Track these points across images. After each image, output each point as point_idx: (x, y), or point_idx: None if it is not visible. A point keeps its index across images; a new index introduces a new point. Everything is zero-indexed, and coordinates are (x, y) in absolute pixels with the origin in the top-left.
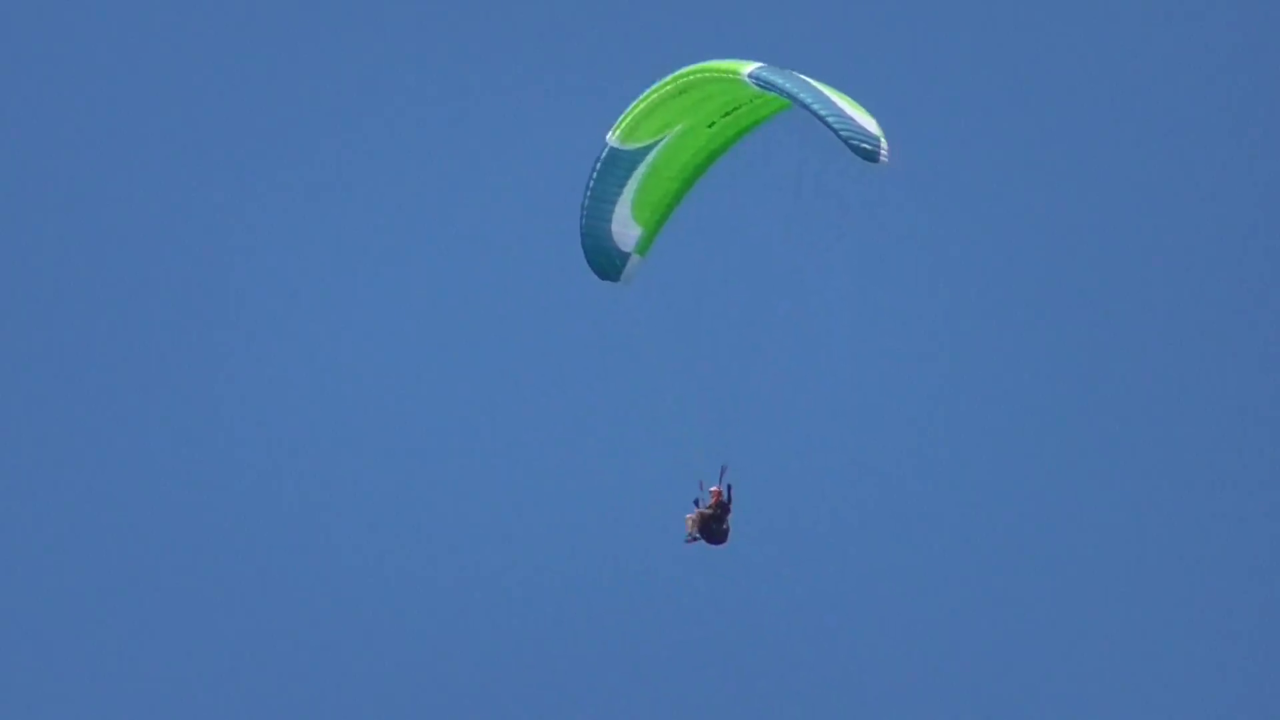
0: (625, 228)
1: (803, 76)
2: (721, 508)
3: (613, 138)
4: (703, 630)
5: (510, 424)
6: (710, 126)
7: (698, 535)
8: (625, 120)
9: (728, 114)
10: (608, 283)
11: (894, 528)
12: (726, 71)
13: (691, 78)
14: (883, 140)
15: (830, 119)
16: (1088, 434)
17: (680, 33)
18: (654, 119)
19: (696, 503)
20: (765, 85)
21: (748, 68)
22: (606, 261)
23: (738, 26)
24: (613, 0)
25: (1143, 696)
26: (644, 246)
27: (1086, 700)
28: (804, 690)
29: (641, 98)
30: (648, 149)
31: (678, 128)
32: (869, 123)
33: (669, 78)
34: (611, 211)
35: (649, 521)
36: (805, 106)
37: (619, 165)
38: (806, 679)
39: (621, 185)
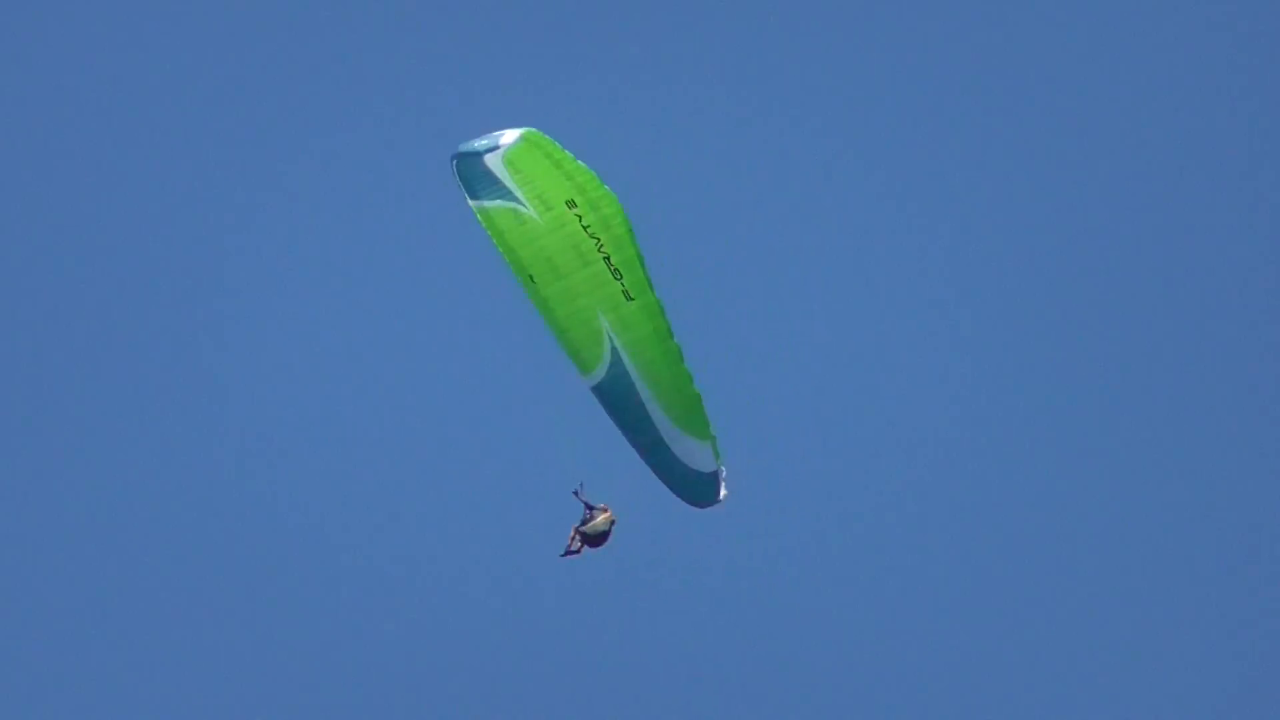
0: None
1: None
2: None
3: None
4: (703, 631)
5: (507, 422)
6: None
7: (578, 546)
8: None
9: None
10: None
11: (893, 528)
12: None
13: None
14: (720, 490)
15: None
16: (1086, 434)
17: (680, 33)
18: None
19: (585, 503)
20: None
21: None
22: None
23: (738, 26)
24: (612, 2)
25: (1142, 697)
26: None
27: (1086, 700)
28: (804, 691)
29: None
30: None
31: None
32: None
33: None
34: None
35: (649, 521)
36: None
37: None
38: (806, 680)
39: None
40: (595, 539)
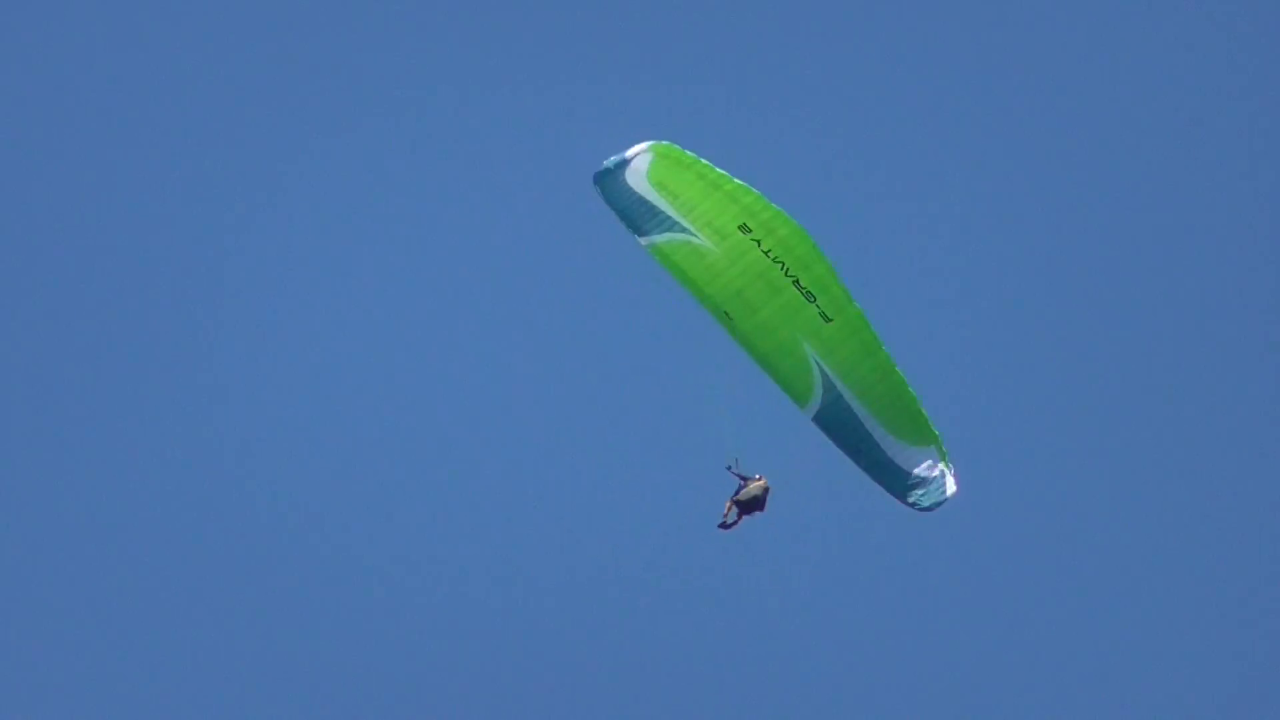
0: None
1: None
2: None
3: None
4: (702, 632)
5: (511, 419)
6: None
7: (735, 518)
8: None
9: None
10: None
11: (894, 529)
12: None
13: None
14: (948, 488)
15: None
16: (1087, 435)
17: (677, 33)
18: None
19: (739, 476)
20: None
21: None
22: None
23: (742, 26)
24: (610, 4)
25: (1143, 698)
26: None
27: (1088, 702)
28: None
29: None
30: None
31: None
32: (933, 475)
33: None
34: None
35: (648, 522)
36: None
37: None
38: (804, 682)
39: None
40: (750, 504)
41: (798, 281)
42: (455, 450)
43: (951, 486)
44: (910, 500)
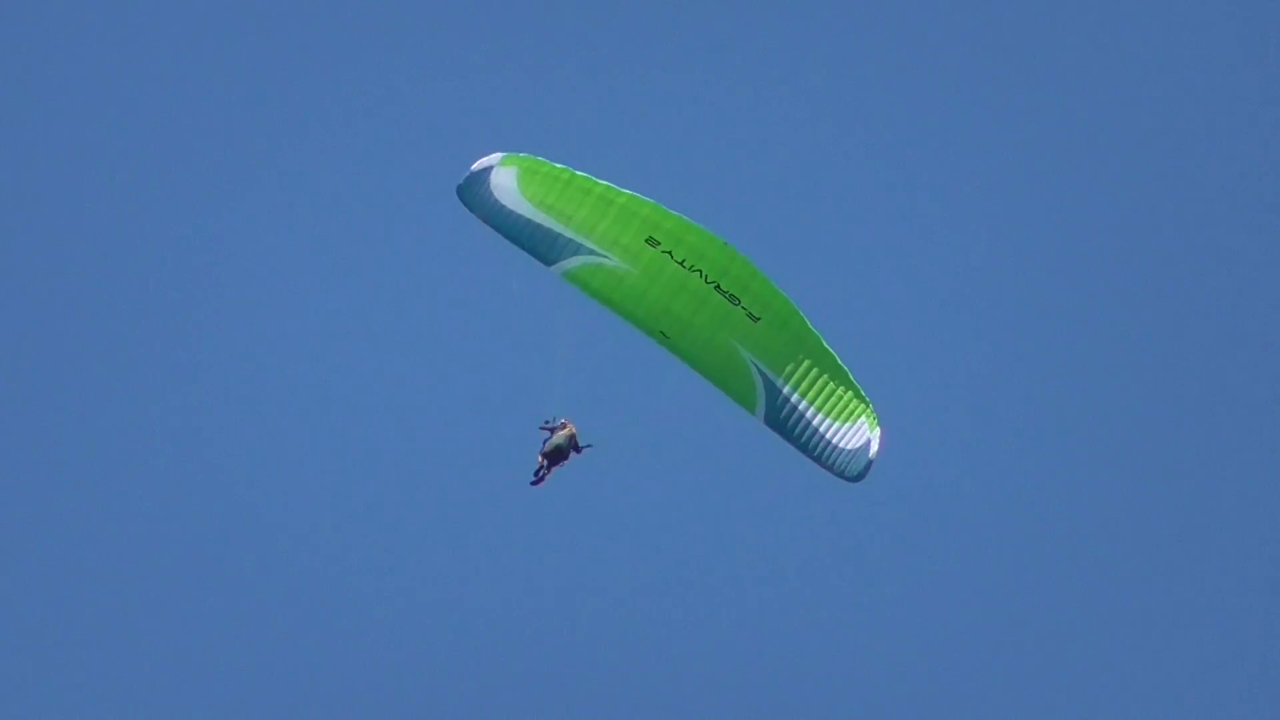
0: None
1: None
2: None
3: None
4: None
5: (500, 429)
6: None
7: (545, 471)
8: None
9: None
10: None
11: (894, 530)
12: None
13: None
14: (872, 449)
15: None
16: (1086, 437)
17: (676, 32)
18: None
19: (548, 429)
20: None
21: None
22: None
23: (740, 26)
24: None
25: (1144, 699)
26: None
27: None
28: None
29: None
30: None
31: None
32: (858, 435)
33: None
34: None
35: (644, 530)
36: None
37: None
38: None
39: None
40: (555, 455)
41: (719, 286)
42: (449, 449)
43: (875, 448)
44: (846, 472)
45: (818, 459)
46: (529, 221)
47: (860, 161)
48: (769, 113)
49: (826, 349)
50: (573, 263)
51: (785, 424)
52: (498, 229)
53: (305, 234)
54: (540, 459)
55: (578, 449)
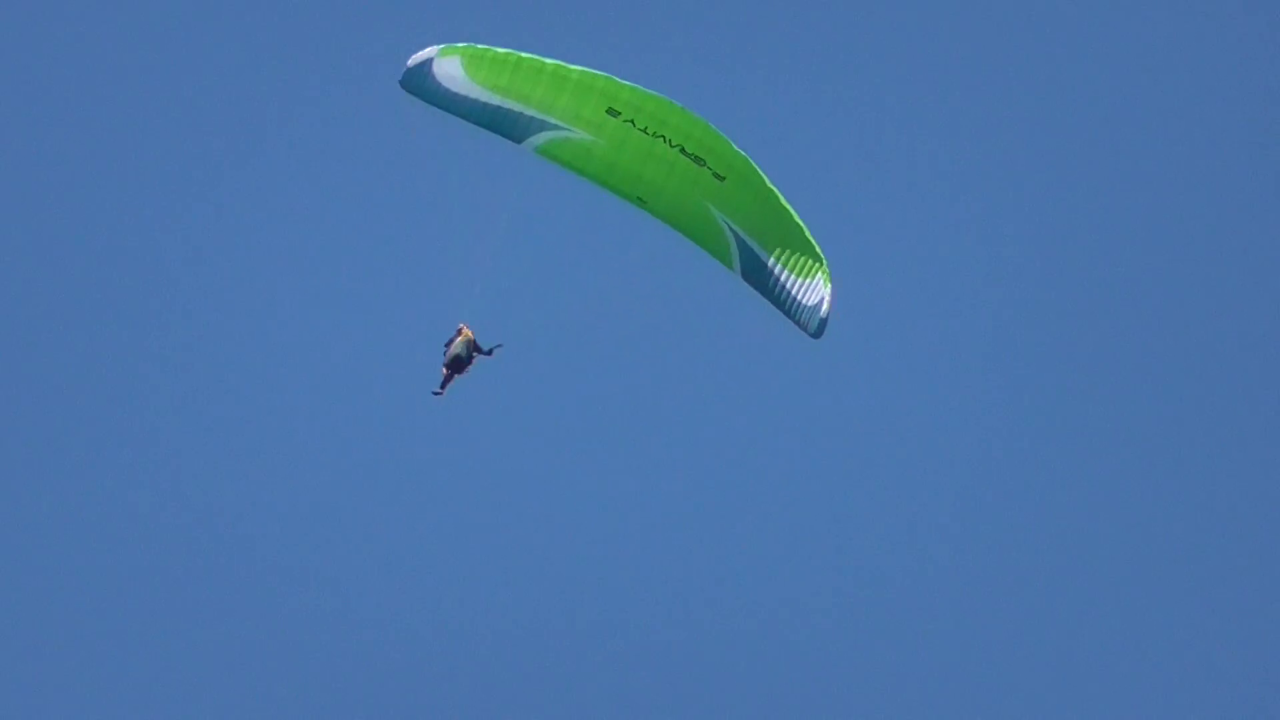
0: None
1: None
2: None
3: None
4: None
5: (497, 433)
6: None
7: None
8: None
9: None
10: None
11: (897, 530)
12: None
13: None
14: (824, 307)
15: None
16: (1088, 440)
17: (673, 32)
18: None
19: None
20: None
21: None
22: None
23: (740, 25)
24: (601, 6)
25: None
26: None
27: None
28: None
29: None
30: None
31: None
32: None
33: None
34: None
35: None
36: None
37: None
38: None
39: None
40: (455, 364)
41: (684, 149)
42: (445, 449)
43: (827, 305)
44: (809, 326)
45: (787, 313)
46: (486, 104)
47: (855, 160)
48: (763, 112)
49: (785, 205)
50: (541, 138)
51: (759, 278)
52: (457, 113)
53: (297, 230)
54: (443, 370)
55: (481, 351)
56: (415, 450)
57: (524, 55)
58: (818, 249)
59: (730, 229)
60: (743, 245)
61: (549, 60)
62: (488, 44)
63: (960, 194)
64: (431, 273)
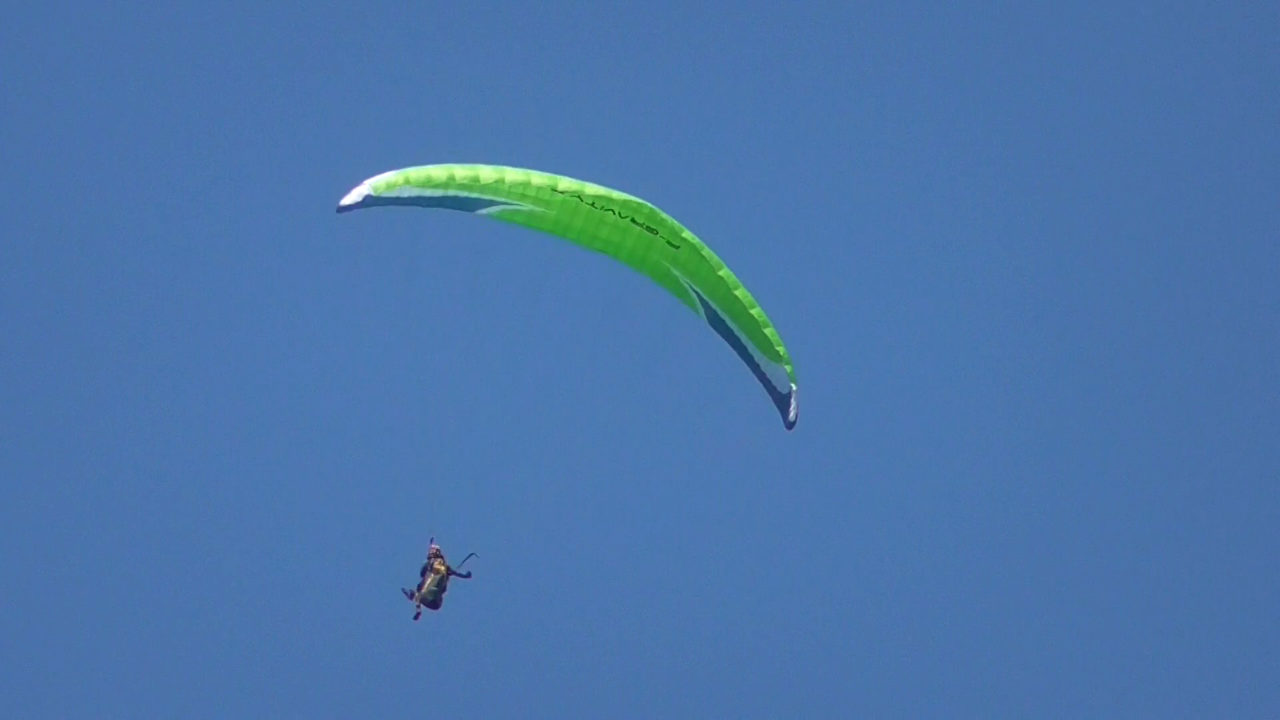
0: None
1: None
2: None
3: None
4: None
5: (497, 435)
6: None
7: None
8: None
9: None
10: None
11: (896, 532)
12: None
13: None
14: (791, 409)
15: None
16: (1088, 441)
17: (672, 32)
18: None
19: (423, 572)
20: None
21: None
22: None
23: (738, 25)
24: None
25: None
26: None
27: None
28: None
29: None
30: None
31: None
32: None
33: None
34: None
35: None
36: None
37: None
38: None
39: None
40: (432, 602)
41: (634, 220)
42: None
43: (794, 411)
44: (783, 415)
45: (761, 382)
46: (431, 196)
47: (848, 159)
48: (755, 111)
49: (740, 286)
50: (494, 209)
51: (727, 335)
52: (408, 205)
53: (297, 230)
54: (416, 605)
55: (458, 575)
56: (415, 450)
57: (455, 169)
58: (782, 349)
59: (692, 289)
60: (706, 305)
61: (484, 168)
62: (427, 161)
63: (960, 194)
64: (431, 272)
